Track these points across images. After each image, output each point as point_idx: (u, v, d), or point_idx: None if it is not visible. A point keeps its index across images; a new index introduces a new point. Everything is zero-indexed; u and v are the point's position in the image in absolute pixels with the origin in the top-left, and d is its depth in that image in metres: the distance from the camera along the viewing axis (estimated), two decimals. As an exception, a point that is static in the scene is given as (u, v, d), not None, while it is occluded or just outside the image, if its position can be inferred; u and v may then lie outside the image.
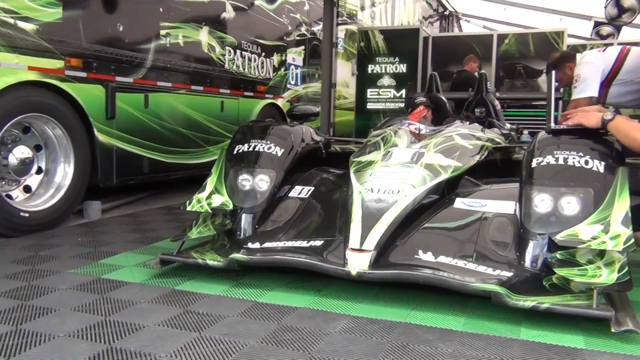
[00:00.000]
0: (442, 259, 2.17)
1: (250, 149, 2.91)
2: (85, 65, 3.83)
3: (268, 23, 6.40)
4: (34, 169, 3.57)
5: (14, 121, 3.32)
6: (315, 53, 7.72)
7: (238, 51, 5.75)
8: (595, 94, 3.60)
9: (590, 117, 2.44)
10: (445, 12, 14.25)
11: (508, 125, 4.47)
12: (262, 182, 2.77)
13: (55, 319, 1.94)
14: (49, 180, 3.63)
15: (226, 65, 5.55)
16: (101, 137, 3.94)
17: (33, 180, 3.57)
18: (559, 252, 2.09)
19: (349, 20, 8.94)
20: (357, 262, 2.12)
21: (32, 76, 3.43)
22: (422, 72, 7.67)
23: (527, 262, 2.16)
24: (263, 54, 6.24)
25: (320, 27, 7.65)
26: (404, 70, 7.72)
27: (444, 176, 2.57)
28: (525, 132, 4.59)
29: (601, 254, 2.07)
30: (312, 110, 3.67)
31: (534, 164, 2.39)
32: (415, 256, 2.19)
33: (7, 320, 1.92)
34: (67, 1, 3.67)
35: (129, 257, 2.81)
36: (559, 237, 2.09)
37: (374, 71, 7.85)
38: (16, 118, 3.33)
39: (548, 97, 2.82)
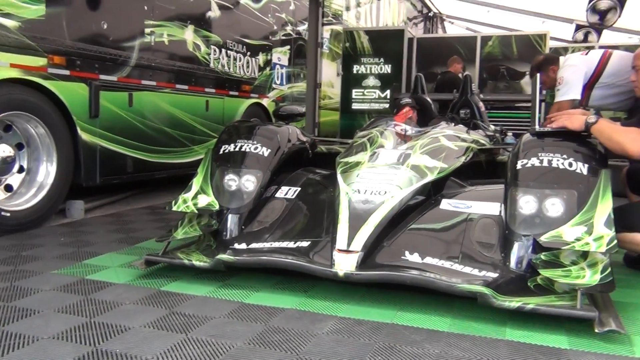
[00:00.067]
0: (429, 260, 2.18)
1: (237, 149, 2.90)
2: (69, 63, 3.78)
3: (253, 22, 6.38)
4: (16, 167, 3.51)
5: (-5, 119, 3.27)
6: (301, 53, 7.72)
7: (223, 50, 5.72)
8: (578, 96, 3.65)
9: (574, 120, 2.47)
10: (429, 14, 14.31)
11: (492, 127, 4.51)
12: (248, 182, 2.75)
13: (38, 320, 1.92)
14: (31, 179, 3.58)
15: (211, 65, 5.52)
16: (84, 136, 3.90)
17: (14, 179, 3.52)
18: (543, 253, 2.12)
19: (334, 21, 8.95)
20: (345, 263, 2.12)
21: (14, 74, 3.37)
22: (406, 73, 7.70)
23: (512, 263, 2.18)
24: (248, 53, 6.22)
25: (305, 26, 7.65)
26: (389, 71, 7.74)
27: (430, 177, 2.58)
28: (509, 133, 4.64)
29: (584, 255, 2.10)
30: (299, 110, 3.66)
31: (518, 166, 2.42)
32: (402, 257, 2.20)
33: (-11, 322, 1.89)
34: (51, -2, 3.62)
35: (113, 257, 2.78)
36: (543, 239, 2.12)
37: (359, 72, 7.86)
38: (-2, 116, 3.27)
39: (533, 100, 2.86)
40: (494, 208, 2.46)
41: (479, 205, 2.51)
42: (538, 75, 3.53)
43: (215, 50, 5.57)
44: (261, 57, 6.54)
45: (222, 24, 5.69)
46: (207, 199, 2.67)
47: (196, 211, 2.61)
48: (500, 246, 2.27)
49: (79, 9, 3.92)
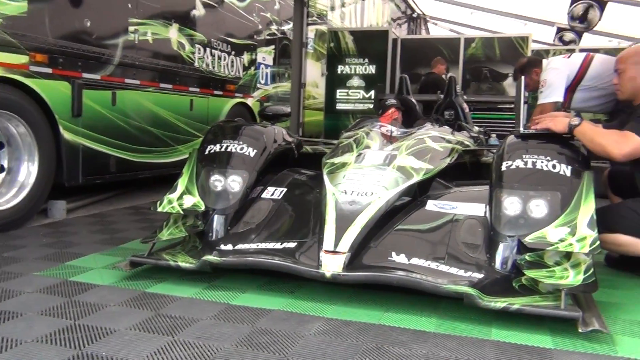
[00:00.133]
0: (415, 260, 2.19)
1: (222, 149, 2.88)
2: (51, 61, 3.73)
3: (238, 21, 6.36)
4: (-4, 167, 3.46)
5: (-25, 118, 3.22)
6: (285, 52, 7.71)
7: (208, 49, 5.68)
8: (561, 99, 3.70)
9: (558, 122, 2.51)
10: (413, 15, 14.39)
11: (476, 129, 4.55)
12: (234, 183, 2.74)
13: (21, 323, 1.88)
14: (11, 179, 3.52)
15: (196, 64, 5.48)
16: (67, 135, 3.84)
17: (-5, 179, 3.46)
18: (528, 254, 2.14)
19: (319, 21, 8.95)
20: (331, 264, 2.12)
21: (-5, 71, 3.32)
22: (390, 74, 7.74)
23: (497, 264, 2.21)
24: (233, 52, 6.19)
25: (290, 26, 7.64)
26: (373, 71, 7.77)
27: (416, 178, 2.60)
28: (493, 135, 4.69)
29: (568, 255, 2.13)
30: (284, 110, 3.65)
31: (503, 167, 2.44)
32: (389, 258, 2.21)
33: (-30, 325, 1.85)
34: (33, -6, 3.57)
35: (97, 258, 2.75)
36: (528, 240, 2.14)
37: (344, 72, 7.88)
38: (-23, 115, 3.22)
39: (517, 101, 2.90)
40: (479, 209, 2.49)
41: (464, 206, 2.53)
42: (523, 78, 3.57)
43: (199, 49, 5.54)
44: (246, 57, 6.51)
45: (207, 23, 5.66)
46: (192, 200, 2.65)
47: (182, 212, 2.60)
48: (486, 247, 2.29)
49: (62, 5, 3.87)
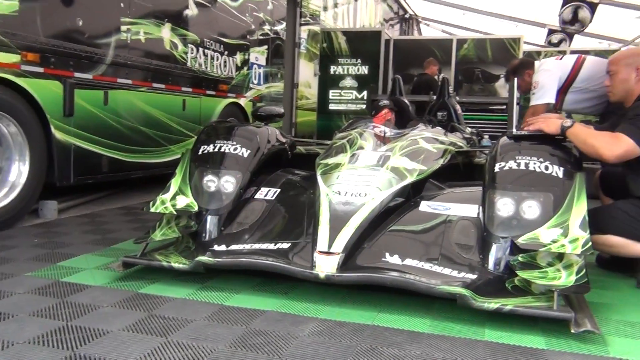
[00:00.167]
0: (409, 261, 2.20)
1: (216, 149, 2.87)
2: (43, 60, 3.70)
3: (231, 21, 6.34)
4: (-13, 167, 3.44)
5: (-35, 117, 3.19)
6: (278, 52, 7.70)
7: (200, 49, 5.67)
8: (553, 100, 3.72)
9: (550, 124, 2.52)
10: (405, 15, 14.43)
11: (469, 130, 4.57)
12: (227, 183, 2.73)
13: (13, 324, 1.87)
14: (2, 178, 3.49)
15: (188, 63, 5.46)
16: (58, 135, 3.82)
17: (-15, 178, 3.43)
18: (520, 255, 2.15)
19: (311, 21, 8.96)
20: (325, 265, 2.12)
21: (-14, 70, 3.29)
22: (383, 75, 7.76)
23: (490, 265, 2.22)
24: (226, 52, 6.17)
25: (283, 26, 7.64)
26: (366, 72, 7.79)
27: (409, 179, 2.60)
28: (486, 136, 4.71)
29: (560, 256, 2.14)
30: (278, 111, 3.64)
31: (496, 169, 2.45)
32: (383, 259, 2.21)
33: (-39, 327, 1.84)
34: (24, -7, 3.54)
35: (89, 259, 2.73)
36: (521, 240, 2.15)
37: (336, 72, 7.89)
38: (-32, 114, 3.19)
39: (510, 103, 2.90)
40: (472, 210, 2.49)
41: (457, 207, 2.54)
42: (515, 79, 3.59)
43: (192, 49, 5.52)
44: (239, 57, 6.50)
45: (200, 22, 5.65)
46: (185, 200, 2.64)
47: (175, 212, 2.59)
48: (479, 248, 2.29)
49: (54, 4, 3.84)
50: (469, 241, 2.34)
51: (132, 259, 2.42)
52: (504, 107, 6.50)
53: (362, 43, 7.87)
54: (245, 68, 6.70)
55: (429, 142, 3.04)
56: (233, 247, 2.42)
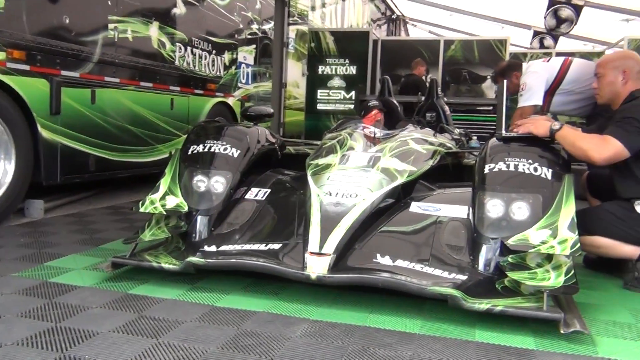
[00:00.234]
0: (400, 262, 2.20)
1: (206, 149, 2.86)
2: (29, 57, 3.65)
3: (219, 20, 6.32)
4: (-29, 165, 3.38)
5: (-51, 115, 3.14)
6: (266, 52, 7.68)
7: (189, 48, 5.64)
8: (540, 102, 3.76)
9: (539, 126, 2.55)
10: (392, 16, 14.47)
11: (457, 131, 4.59)
12: (217, 183, 2.72)
13: (0, 326, 1.84)
14: (-13, 177, 3.45)
15: (176, 62, 5.43)
16: (45, 134, 3.77)
17: (-30, 177, 3.38)
18: (510, 256, 2.17)
19: (299, 21, 8.94)
20: (317, 266, 2.12)
21: (-29, 68, 3.25)
22: (371, 75, 7.77)
23: (481, 266, 2.23)
24: (214, 51, 6.15)
25: (271, 25, 7.62)
26: (354, 72, 7.80)
27: (400, 180, 2.61)
28: (474, 137, 4.74)
29: (549, 257, 2.16)
30: (267, 111, 3.63)
31: (486, 170, 2.47)
32: (374, 260, 2.22)
33: (-53, 329, 1.81)
34: (10, -10, 3.49)
35: (77, 259, 2.70)
36: (510, 242, 2.17)
37: (324, 72, 7.89)
38: (-48, 111, 3.14)
39: (499, 104, 2.93)
40: (462, 211, 2.51)
41: (447, 208, 2.55)
42: (505, 81, 3.62)
43: (180, 48, 5.49)
44: (227, 56, 6.48)
45: (188, 21, 5.61)
46: (175, 200, 2.63)
47: (164, 212, 2.57)
48: (469, 249, 2.31)
49: (40, 1, 3.79)
50: (459, 242, 2.35)
51: (121, 260, 2.40)
52: (491, 108, 6.56)
53: (350, 43, 7.87)
54: (234, 67, 6.68)
55: (419, 143, 3.06)
56: (223, 247, 2.41)
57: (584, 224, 2.44)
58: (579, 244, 2.09)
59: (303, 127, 8.06)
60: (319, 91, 7.88)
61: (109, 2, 4.45)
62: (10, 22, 3.51)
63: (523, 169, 2.40)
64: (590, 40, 10.37)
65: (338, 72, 7.84)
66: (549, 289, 1.98)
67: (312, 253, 2.17)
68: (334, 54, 7.86)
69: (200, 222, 2.59)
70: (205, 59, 5.97)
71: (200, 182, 2.72)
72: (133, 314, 2.00)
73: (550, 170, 2.39)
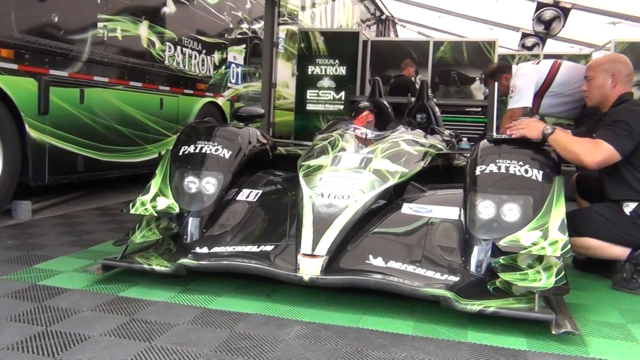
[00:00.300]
0: (392, 264, 2.21)
1: (197, 150, 2.84)
2: (17, 56, 3.61)
3: (209, 20, 6.29)
4: (-42, 166, 3.34)
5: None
6: (256, 52, 7.67)
7: (178, 47, 5.61)
8: (530, 104, 3.78)
9: (532, 129, 2.57)
10: (382, 17, 14.52)
11: (447, 132, 4.61)
12: (209, 185, 2.71)
13: (-10, 330, 1.82)
14: (-26, 178, 3.41)
15: (166, 62, 5.40)
16: (33, 133, 3.73)
17: (-44, 178, 3.34)
18: (502, 257, 2.18)
19: (289, 21, 8.94)
20: (309, 268, 2.12)
21: (-43, 67, 3.20)
22: (361, 76, 7.79)
23: (472, 267, 2.24)
24: (204, 51, 6.12)
25: (261, 25, 7.60)
26: (344, 72, 7.81)
27: (391, 182, 2.61)
28: (464, 139, 4.76)
29: (540, 258, 2.17)
30: (258, 111, 3.62)
31: (477, 172, 2.48)
32: (366, 261, 2.22)
33: None
34: (-2, -12, 3.45)
35: (66, 261, 2.68)
36: (502, 243, 2.18)
37: (314, 72, 7.89)
38: (-61, 111, 3.10)
39: (490, 106, 2.94)
40: (454, 212, 2.52)
41: (439, 209, 2.56)
42: (496, 83, 3.64)
43: (170, 47, 5.46)
44: (217, 55, 6.45)
45: (178, 20, 5.58)
46: (166, 202, 2.61)
47: (155, 214, 2.55)
48: (461, 250, 2.32)
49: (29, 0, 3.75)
50: (451, 243, 2.36)
51: (112, 262, 2.38)
52: (480, 109, 6.59)
53: (340, 43, 7.89)
54: (223, 67, 6.66)
55: (410, 145, 3.06)
56: (215, 249, 2.40)
57: (574, 225, 2.46)
58: (569, 245, 2.11)
59: (293, 127, 8.06)
60: (308, 91, 7.89)
61: (98, 1, 4.42)
62: (-3, 20, 3.47)
63: (514, 171, 2.42)
64: (578, 43, 10.47)
65: (328, 73, 7.85)
66: (540, 289, 2.00)
67: (304, 255, 2.16)
68: (324, 54, 7.87)
69: (192, 223, 2.58)
70: (195, 58, 5.94)
71: (192, 183, 2.70)
72: (124, 317, 1.98)
73: (541, 172, 2.41)
